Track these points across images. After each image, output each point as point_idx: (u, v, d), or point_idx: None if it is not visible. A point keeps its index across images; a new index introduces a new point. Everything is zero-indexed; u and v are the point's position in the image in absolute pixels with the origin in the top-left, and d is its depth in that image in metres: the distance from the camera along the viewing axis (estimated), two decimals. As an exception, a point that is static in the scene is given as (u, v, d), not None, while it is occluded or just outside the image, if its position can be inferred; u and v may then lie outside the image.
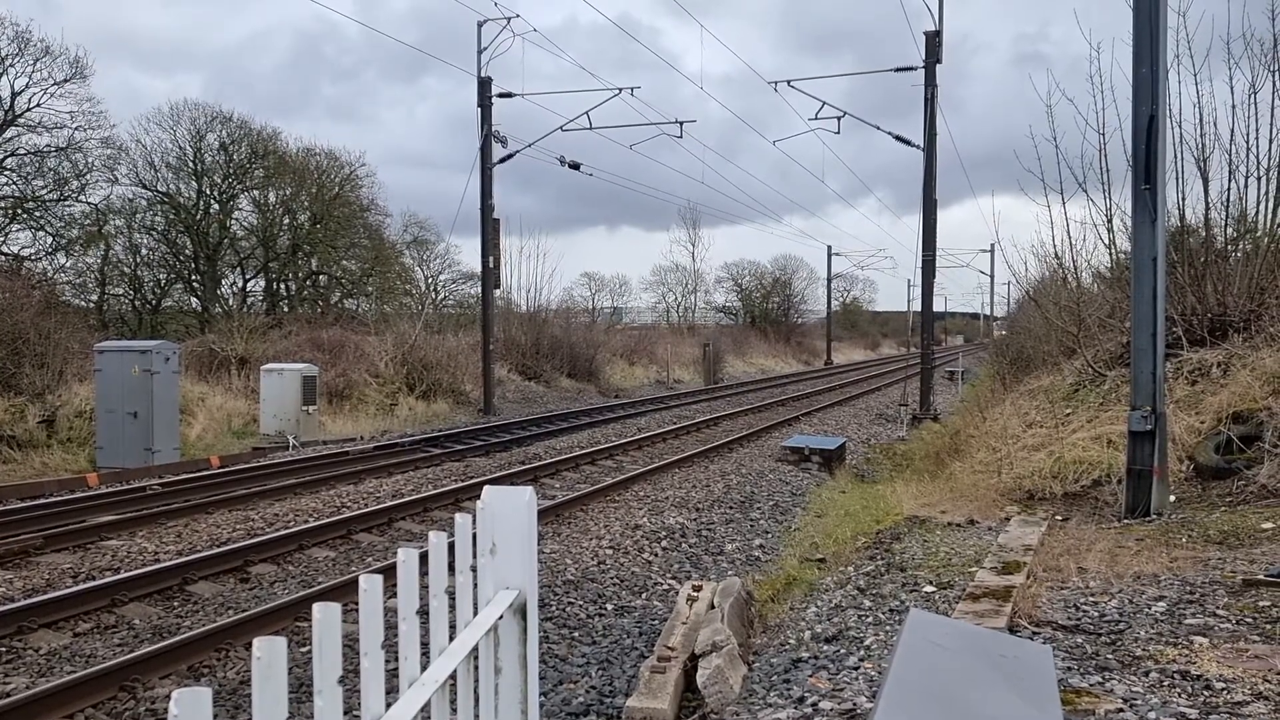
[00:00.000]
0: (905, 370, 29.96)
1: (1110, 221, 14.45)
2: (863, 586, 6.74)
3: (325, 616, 1.44)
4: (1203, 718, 3.90)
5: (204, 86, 69.76)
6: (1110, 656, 4.76)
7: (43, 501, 11.70)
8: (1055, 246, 18.07)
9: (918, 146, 22.30)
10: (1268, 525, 7.66)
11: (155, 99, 68.39)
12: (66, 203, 31.09)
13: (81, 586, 7.81)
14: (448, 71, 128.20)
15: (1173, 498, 9.04)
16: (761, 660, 5.46)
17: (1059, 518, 9.04)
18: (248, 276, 37.74)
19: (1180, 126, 12.47)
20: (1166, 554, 6.99)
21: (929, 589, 6.36)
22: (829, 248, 63.21)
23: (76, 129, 30.03)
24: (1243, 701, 4.07)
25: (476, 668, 2.13)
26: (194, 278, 35.99)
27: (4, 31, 28.16)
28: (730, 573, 8.56)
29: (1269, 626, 5.14)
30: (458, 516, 2.08)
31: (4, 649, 6.62)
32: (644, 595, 8.05)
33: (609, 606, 7.68)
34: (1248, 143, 12.49)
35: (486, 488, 2.36)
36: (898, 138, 23.69)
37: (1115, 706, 4.04)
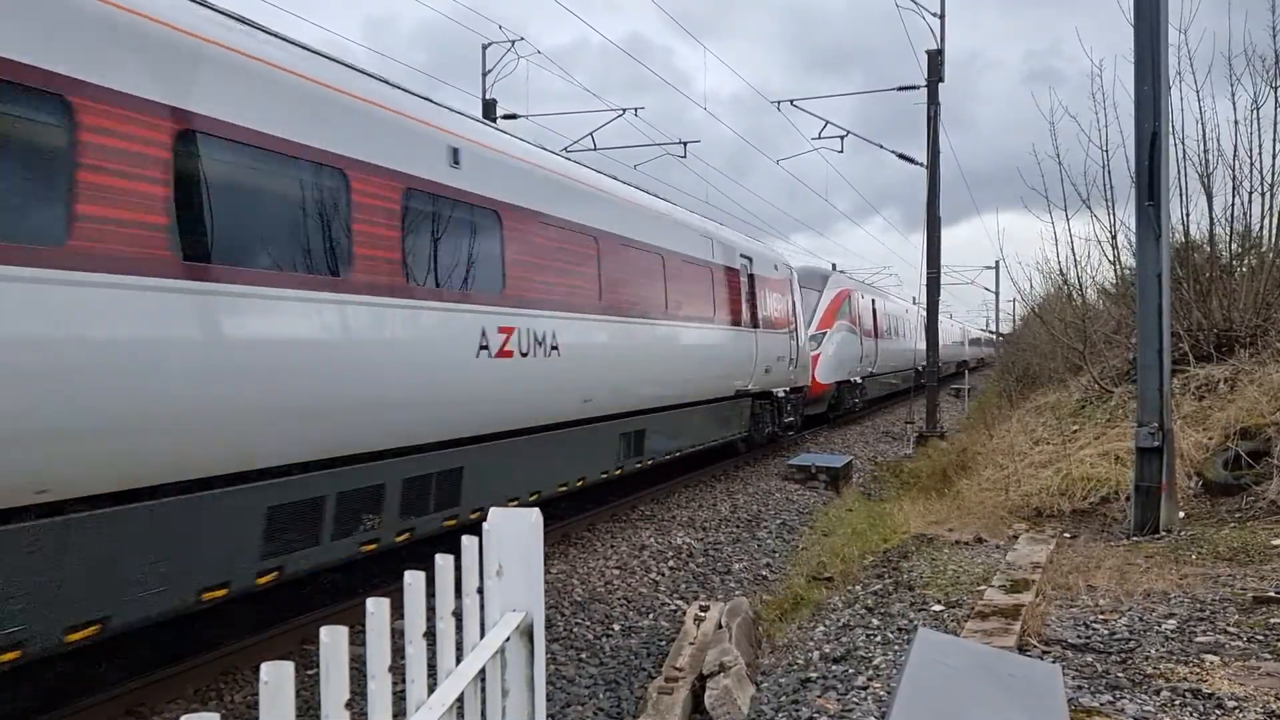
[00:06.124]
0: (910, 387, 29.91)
1: (1115, 238, 14.51)
2: (871, 606, 6.71)
3: (332, 640, 1.45)
4: (1215, 737, 3.88)
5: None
6: (1121, 675, 4.73)
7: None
8: (1060, 263, 18.15)
9: (921, 164, 22.37)
10: (1278, 542, 7.63)
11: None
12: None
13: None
14: (454, 94, 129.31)
15: (1181, 514, 9.00)
16: (769, 680, 5.43)
17: (1067, 535, 9.01)
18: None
19: (1183, 143, 12.56)
20: (1176, 571, 6.95)
21: (937, 608, 6.33)
22: (833, 265, 63.34)
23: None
24: (1255, 720, 4.04)
25: (483, 690, 2.13)
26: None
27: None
28: (738, 592, 8.53)
29: (1280, 644, 5.11)
30: (464, 538, 2.08)
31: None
32: (651, 615, 8.03)
33: (616, 627, 7.66)
34: (1251, 158, 12.56)
35: (492, 509, 2.36)
36: (901, 155, 23.75)
37: (1126, 726, 4.01)
